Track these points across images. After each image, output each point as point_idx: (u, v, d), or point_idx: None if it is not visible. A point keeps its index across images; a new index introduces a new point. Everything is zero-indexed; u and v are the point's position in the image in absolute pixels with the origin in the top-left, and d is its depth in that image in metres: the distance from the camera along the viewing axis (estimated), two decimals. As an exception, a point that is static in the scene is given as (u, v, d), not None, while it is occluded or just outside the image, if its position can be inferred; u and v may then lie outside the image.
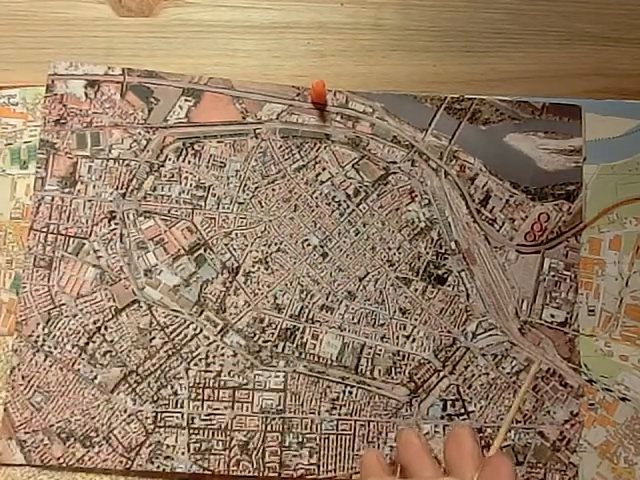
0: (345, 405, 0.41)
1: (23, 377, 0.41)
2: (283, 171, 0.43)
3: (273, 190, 0.43)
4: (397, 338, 0.42)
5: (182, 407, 0.41)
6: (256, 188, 0.43)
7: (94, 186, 0.43)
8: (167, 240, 0.42)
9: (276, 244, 0.43)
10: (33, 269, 0.42)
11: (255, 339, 0.42)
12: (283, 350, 0.42)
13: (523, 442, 0.41)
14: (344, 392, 0.41)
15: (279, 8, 0.45)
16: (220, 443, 0.41)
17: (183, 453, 0.40)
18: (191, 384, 0.41)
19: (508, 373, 0.42)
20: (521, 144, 0.44)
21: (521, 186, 0.44)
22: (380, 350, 0.42)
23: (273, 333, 0.42)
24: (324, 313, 0.42)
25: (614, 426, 0.42)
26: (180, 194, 0.43)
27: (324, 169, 0.44)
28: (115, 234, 0.42)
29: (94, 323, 0.41)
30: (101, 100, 0.43)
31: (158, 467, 0.40)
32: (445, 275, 0.43)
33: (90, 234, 0.42)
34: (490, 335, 0.42)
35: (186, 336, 0.42)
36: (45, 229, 0.42)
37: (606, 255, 0.43)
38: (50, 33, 0.45)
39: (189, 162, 0.43)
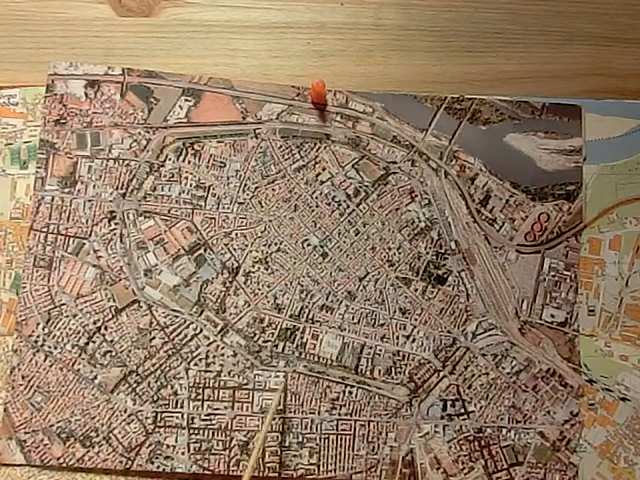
0: (345, 405, 0.41)
1: (23, 377, 0.41)
2: (283, 171, 0.43)
3: (273, 190, 0.43)
4: (397, 338, 0.42)
5: (182, 407, 0.41)
6: (256, 188, 0.43)
7: (94, 186, 0.43)
8: (167, 240, 0.42)
9: (276, 244, 0.43)
10: (33, 269, 0.42)
11: (255, 339, 0.42)
12: (283, 350, 0.42)
13: (523, 442, 0.41)
14: (344, 392, 0.41)
15: (279, 8, 0.45)
16: (220, 443, 0.41)
17: (183, 453, 0.40)
18: (191, 384, 0.41)
19: (508, 373, 0.42)
20: (521, 144, 0.44)
21: (521, 186, 0.44)
22: (380, 350, 0.42)
23: (273, 333, 0.42)
24: (324, 313, 0.42)
25: (614, 426, 0.42)
26: (180, 194, 0.43)
27: (324, 169, 0.44)
28: (115, 234, 0.42)
29: (94, 323, 0.41)
30: (101, 100, 0.43)
31: (158, 467, 0.40)
32: (445, 275, 0.43)
33: (90, 234, 0.42)
34: (490, 335, 0.42)
35: (186, 336, 0.42)
36: (45, 229, 0.42)
37: (606, 255, 0.43)
38: (50, 33, 0.45)
39: (189, 162, 0.43)
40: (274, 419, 0.41)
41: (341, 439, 0.41)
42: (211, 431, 0.41)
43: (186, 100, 0.44)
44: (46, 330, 0.41)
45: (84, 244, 0.42)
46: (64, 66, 0.44)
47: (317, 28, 0.45)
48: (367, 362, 0.42)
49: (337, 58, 0.45)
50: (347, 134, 0.44)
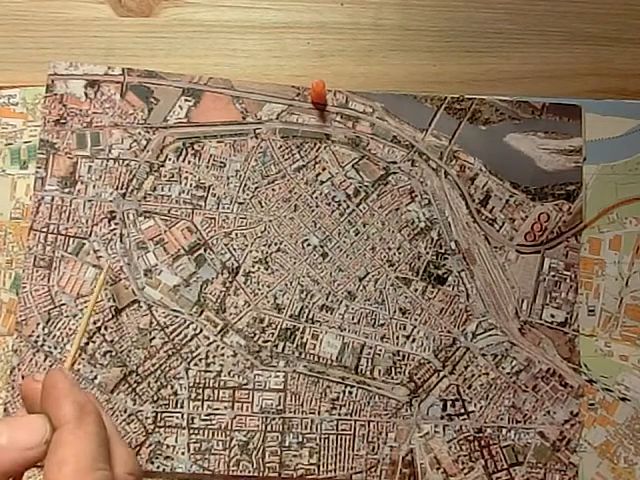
0: (345, 405, 0.41)
1: (23, 377, 0.41)
2: (283, 171, 0.43)
3: (273, 190, 0.43)
4: (397, 338, 0.42)
5: (182, 407, 0.41)
6: (256, 188, 0.43)
7: (94, 186, 0.43)
8: (167, 240, 0.42)
9: (276, 244, 0.43)
10: (33, 269, 0.42)
11: (255, 339, 0.42)
12: (283, 350, 0.42)
13: (523, 442, 0.41)
14: (344, 392, 0.41)
15: (279, 8, 0.45)
16: (220, 443, 0.41)
17: (183, 453, 0.40)
18: (191, 384, 0.41)
19: (508, 373, 0.42)
20: (521, 144, 0.44)
21: (521, 186, 0.44)
22: (380, 350, 0.42)
23: (273, 333, 0.42)
24: (324, 313, 0.42)
25: (614, 426, 0.42)
26: (180, 194, 0.43)
27: (324, 169, 0.44)
28: (115, 234, 0.42)
29: (94, 323, 0.41)
30: (101, 100, 0.43)
31: (158, 467, 0.40)
32: (445, 275, 0.43)
33: (90, 234, 0.42)
34: (490, 335, 0.42)
35: (186, 336, 0.42)
36: (45, 229, 0.42)
37: (606, 255, 0.43)
38: (50, 33, 0.45)
39: (189, 162, 0.43)
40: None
41: (341, 439, 0.41)
42: (211, 431, 0.41)
43: (186, 100, 0.44)
44: (46, 330, 0.41)
45: (84, 244, 0.42)
46: (64, 66, 0.44)
47: (317, 28, 0.45)
48: (367, 362, 0.42)
49: (337, 58, 0.45)
50: (347, 134, 0.44)
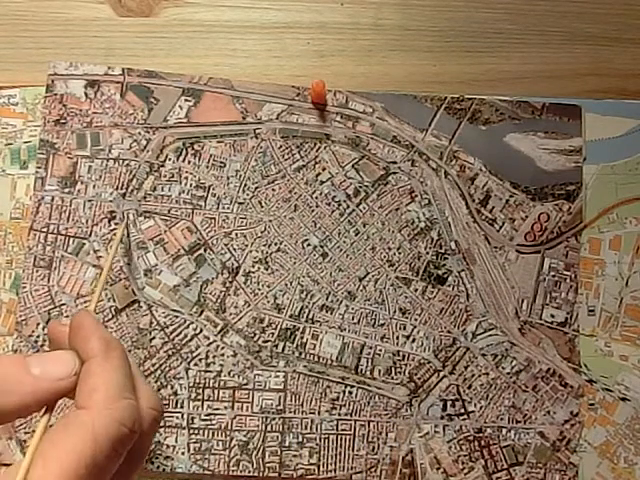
0: (345, 405, 0.41)
1: (23, 377, 0.41)
2: (283, 171, 0.43)
3: (273, 190, 0.43)
4: (397, 338, 0.42)
5: (182, 407, 0.41)
6: (256, 188, 0.43)
7: (94, 186, 0.43)
8: (167, 240, 0.42)
9: (276, 244, 0.43)
10: (33, 269, 0.42)
11: (255, 339, 0.42)
12: (283, 350, 0.42)
13: (523, 442, 0.41)
14: (344, 392, 0.41)
15: (279, 8, 0.45)
16: (220, 443, 0.41)
17: (183, 453, 0.40)
18: (191, 384, 0.41)
19: (508, 373, 0.42)
20: (521, 144, 0.44)
21: (521, 186, 0.44)
22: (380, 350, 0.42)
23: (273, 333, 0.42)
24: (324, 313, 0.42)
25: (614, 426, 0.42)
26: (180, 194, 0.43)
27: (324, 169, 0.44)
28: (115, 234, 0.42)
29: (94, 323, 0.41)
30: (101, 100, 0.43)
31: (158, 467, 0.40)
32: (445, 275, 0.43)
33: (90, 234, 0.42)
34: (490, 335, 0.42)
35: (186, 336, 0.42)
36: (45, 229, 0.42)
37: (606, 255, 0.43)
38: (50, 33, 0.45)
39: (189, 162, 0.43)
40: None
41: (341, 439, 0.41)
42: (211, 431, 0.41)
43: (186, 100, 0.44)
44: (46, 330, 0.41)
45: (84, 244, 0.42)
46: (64, 66, 0.44)
47: (317, 28, 0.45)
48: (367, 362, 0.42)
49: (337, 58, 0.45)
50: (347, 134, 0.44)
